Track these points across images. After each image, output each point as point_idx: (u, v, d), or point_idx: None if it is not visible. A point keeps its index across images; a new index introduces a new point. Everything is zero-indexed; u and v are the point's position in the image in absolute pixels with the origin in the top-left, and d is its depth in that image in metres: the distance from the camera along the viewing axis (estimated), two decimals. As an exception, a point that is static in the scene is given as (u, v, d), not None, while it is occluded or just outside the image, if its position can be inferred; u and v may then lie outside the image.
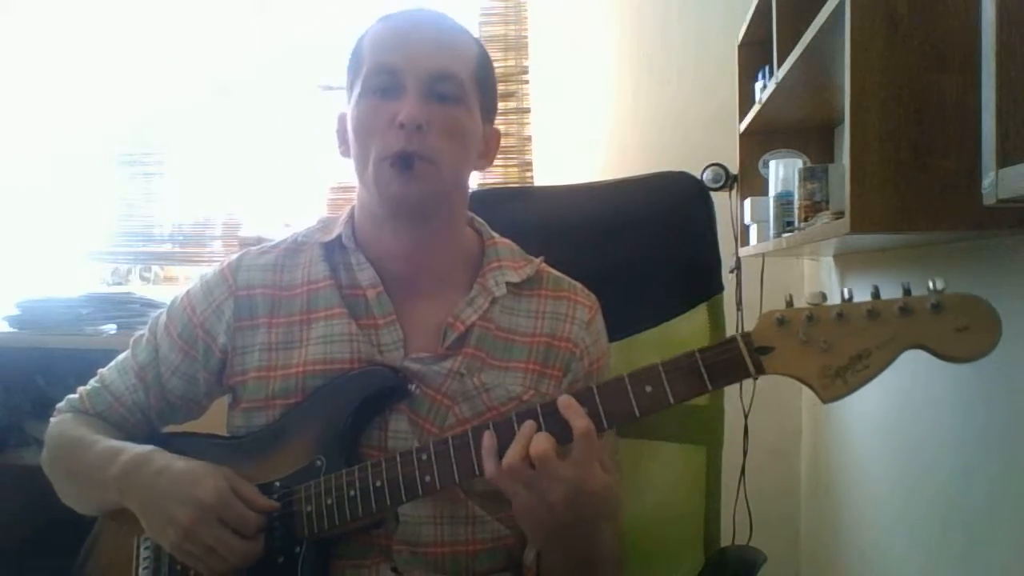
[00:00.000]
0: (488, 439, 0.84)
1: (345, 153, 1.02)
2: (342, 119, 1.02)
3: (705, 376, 0.81)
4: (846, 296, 0.78)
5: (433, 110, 0.93)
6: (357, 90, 0.97)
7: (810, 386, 0.78)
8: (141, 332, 1.09)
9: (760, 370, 0.79)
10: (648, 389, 0.83)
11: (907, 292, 0.76)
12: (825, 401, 0.78)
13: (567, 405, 0.83)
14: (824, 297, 0.78)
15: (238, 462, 0.95)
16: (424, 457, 0.88)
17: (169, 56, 2.55)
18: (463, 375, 0.97)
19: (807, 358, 0.78)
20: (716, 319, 1.28)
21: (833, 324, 0.77)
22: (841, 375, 0.76)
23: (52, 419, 1.07)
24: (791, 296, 0.81)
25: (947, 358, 0.75)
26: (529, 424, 0.83)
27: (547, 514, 0.82)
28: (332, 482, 0.91)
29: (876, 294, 0.77)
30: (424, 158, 0.93)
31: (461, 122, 0.96)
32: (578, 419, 0.81)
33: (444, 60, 0.95)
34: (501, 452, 0.84)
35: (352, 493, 0.90)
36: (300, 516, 0.92)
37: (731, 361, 0.80)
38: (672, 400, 0.82)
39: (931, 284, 0.75)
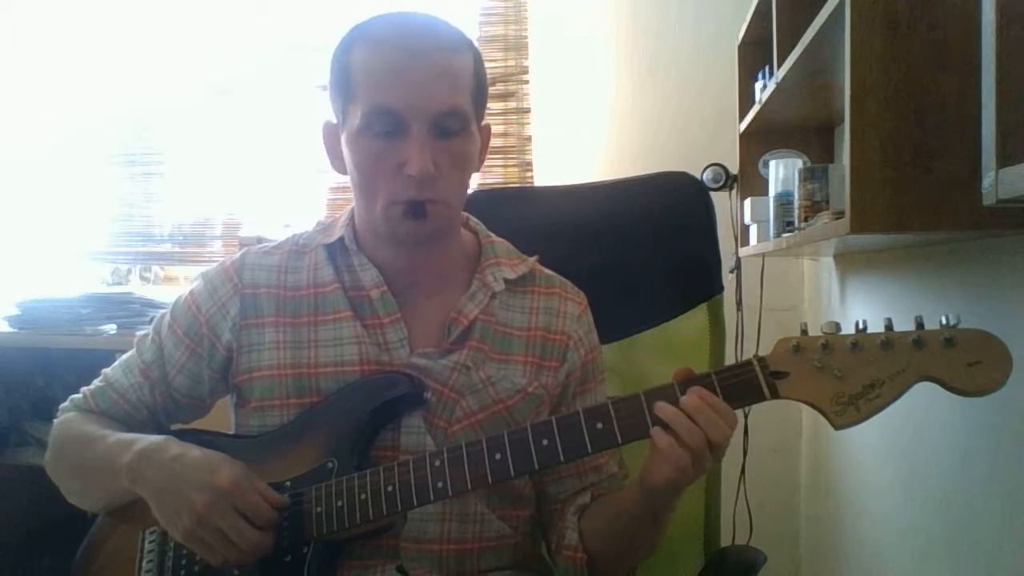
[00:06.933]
0: (666, 408, 0.83)
1: (339, 169, 1.00)
2: (330, 130, 1.00)
3: (720, 397, 0.82)
4: (860, 326, 0.79)
5: (439, 149, 0.92)
6: (355, 122, 0.92)
7: (823, 412, 0.79)
8: (145, 332, 1.09)
9: (775, 394, 0.81)
10: None
11: (920, 325, 0.78)
12: (837, 428, 0.79)
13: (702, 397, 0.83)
14: (838, 327, 0.80)
15: (248, 460, 0.95)
16: (437, 464, 0.88)
17: (169, 56, 2.55)
18: (469, 368, 0.99)
19: (821, 385, 0.79)
20: (716, 319, 1.28)
21: (847, 353, 0.79)
22: (854, 403, 0.78)
23: (56, 419, 1.07)
24: (806, 324, 0.82)
25: (957, 391, 0.77)
26: (664, 405, 0.83)
27: (686, 483, 0.84)
28: (343, 484, 0.91)
29: (889, 326, 0.79)
30: (436, 202, 0.94)
31: (466, 152, 0.96)
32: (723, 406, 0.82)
33: (448, 96, 0.92)
34: (512, 469, 0.86)
35: (363, 496, 0.90)
36: (309, 516, 0.92)
37: (747, 383, 0.82)
38: None
39: (944, 319, 0.77)
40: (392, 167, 0.91)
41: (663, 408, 0.82)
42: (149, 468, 0.93)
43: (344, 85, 0.94)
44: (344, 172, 1.00)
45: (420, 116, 0.90)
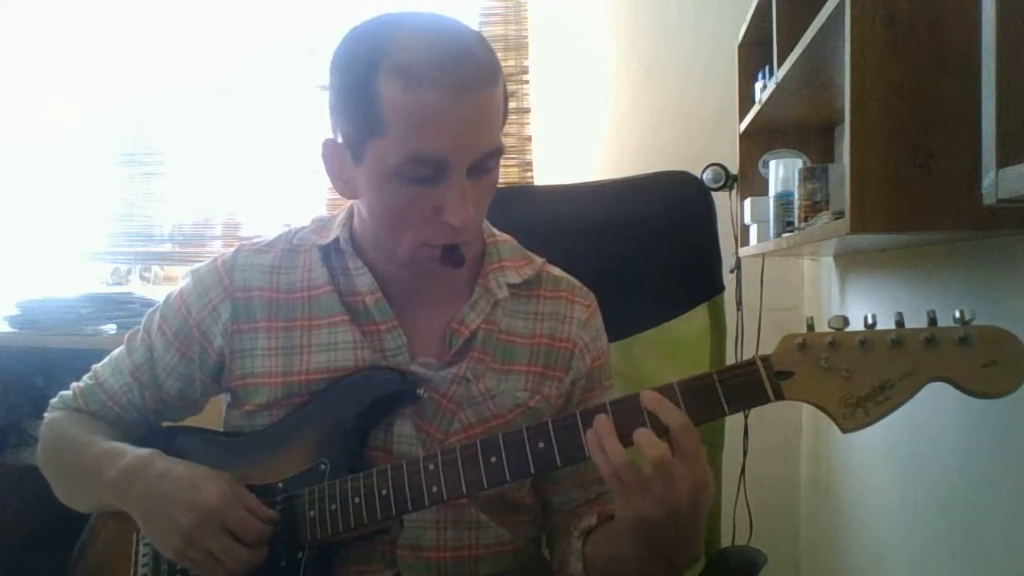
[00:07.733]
0: (603, 424, 0.78)
1: (346, 194, 0.94)
2: (333, 151, 0.91)
3: (723, 399, 0.78)
4: (870, 321, 0.75)
5: (475, 187, 0.86)
6: (385, 163, 0.83)
7: (830, 415, 0.75)
8: (136, 328, 1.06)
9: (779, 395, 0.76)
10: None
11: (932, 321, 0.73)
12: (845, 431, 0.74)
13: (657, 401, 0.78)
14: (846, 321, 0.76)
15: (240, 461, 0.95)
16: (431, 467, 0.86)
17: (169, 56, 2.55)
18: (469, 380, 0.96)
19: (828, 385, 0.75)
20: (716, 319, 1.28)
21: (856, 352, 0.74)
22: (862, 405, 0.74)
23: (46, 415, 1.05)
24: (812, 319, 0.78)
25: (971, 393, 0.72)
26: (603, 419, 0.78)
27: (667, 518, 0.76)
28: (336, 487, 0.90)
29: (900, 322, 0.74)
30: (469, 241, 0.91)
31: (495, 179, 0.91)
32: (673, 415, 0.77)
33: (491, 136, 0.85)
34: (508, 473, 0.83)
35: (357, 500, 0.89)
36: (303, 520, 0.91)
37: (750, 385, 0.77)
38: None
39: (957, 314, 0.72)
40: (427, 211, 0.86)
41: (598, 425, 0.78)
42: (134, 488, 0.91)
43: (367, 117, 0.83)
44: (351, 197, 0.94)
45: (462, 160, 0.83)
